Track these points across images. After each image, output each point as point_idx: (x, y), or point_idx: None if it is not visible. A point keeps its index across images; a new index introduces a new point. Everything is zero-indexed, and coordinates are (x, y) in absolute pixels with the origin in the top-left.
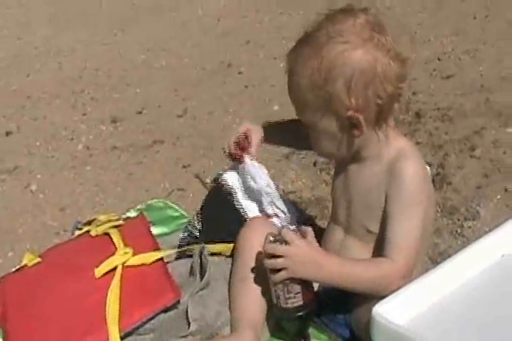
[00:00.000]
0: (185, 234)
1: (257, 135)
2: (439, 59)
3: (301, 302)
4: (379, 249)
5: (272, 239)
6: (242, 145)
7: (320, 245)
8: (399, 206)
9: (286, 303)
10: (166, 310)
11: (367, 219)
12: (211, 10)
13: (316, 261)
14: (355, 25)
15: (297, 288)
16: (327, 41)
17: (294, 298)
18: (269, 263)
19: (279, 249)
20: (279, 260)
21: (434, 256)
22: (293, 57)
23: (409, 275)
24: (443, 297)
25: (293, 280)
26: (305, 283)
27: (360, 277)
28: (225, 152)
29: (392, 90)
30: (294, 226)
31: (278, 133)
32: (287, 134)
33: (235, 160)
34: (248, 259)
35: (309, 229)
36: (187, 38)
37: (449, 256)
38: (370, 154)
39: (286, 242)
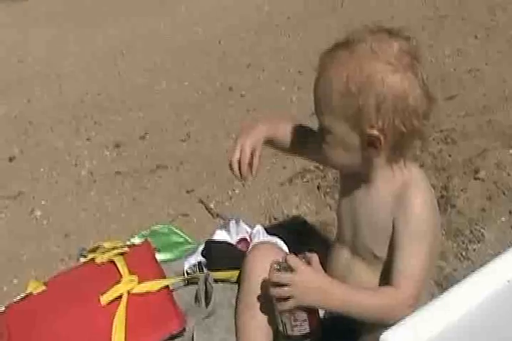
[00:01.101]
0: (191, 260)
1: (260, 149)
2: (441, 80)
3: (307, 330)
4: (385, 275)
5: (276, 266)
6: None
7: (325, 265)
8: (407, 236)
9: (293, 331)
10: (171, 338)
11: (373, 243)
12: (211, 32)
13: (322, 288)
14: (400, 49)
15: (303, 315)
16: (370, 55)
17: (301, 325)
18: (275, 292)
19: (284, 277)
20: (285, 289)
21: (439, 279)
22: (328, 58)
23: (415, 303)
24: (450, 324)
25: (299, 307)
26: (311, 311)
27: (366, 305)
28: (232, 170)
29: (418, 125)
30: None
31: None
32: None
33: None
34: (254, 286)
35: (315, 256)
36: (187, 60)
37: (454, 279)
38: (379, 178)
39: (291, 269)
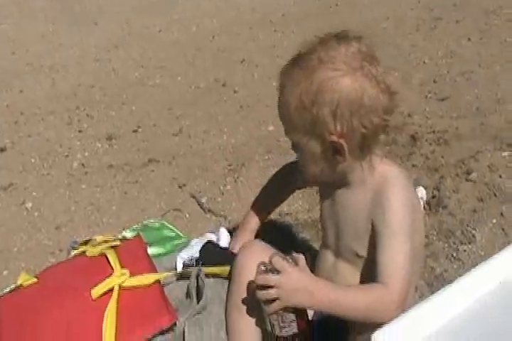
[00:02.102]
0: (183, 255)
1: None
2: (434, 81)
3: (295, 330)
4: (370, 275)
5: (263, 268)
6: None
7: (313, 269)
8: (387, 236)
9: (281, 332)
10: (162, 333)
11: (355, 244)
12: (205, 27)
13: (308, 288)
14: (347, 53)
15: (291, 316)
16: (318, 66)
17: (289, 326)
18: (262, 294)
19: (270, 279)
20: (271, 291)
21: (429, 279)
22: (284, 76)
23: (402, 301)
24: (443, 324)
25: (287, 309)
26: (299, 311)
27: (353, 303)
28: None
29: (378, 122)
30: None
31: None
32: None
33: None
34: (243, 285)
35: (301, 256)
36: (181, 55)
37: (445, 279)
38: (354, 180)
39: (277, 271)
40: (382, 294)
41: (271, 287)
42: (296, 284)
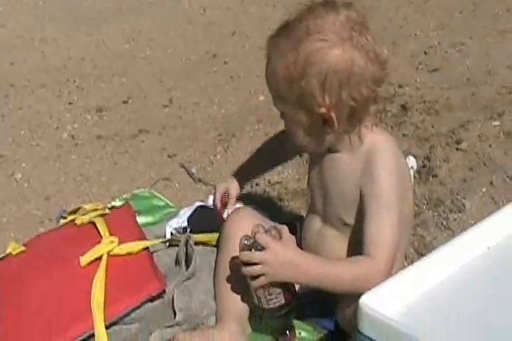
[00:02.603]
0: (172, 224)
1: (234, 190)
2: (425, 52)
3: (282, 302)
4: (356, 242)
5: (246, 243)
6: (224, 201)
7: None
8: (375, 205)
9: (268, 304)
10: (151, 300)
11: (342, 211)
12: (196, 1)
13: (294, 262)
14: (335, 22)
15: (277, 289)
16: (305, 36)
17: (276, 298)
18: (247, 271)
19: (254, 256)
20: (256, 267)
21: (419, 248)
22: (271, 45)
23: (388, 272)
24: (430, 288)
25: (273, 283)
26: (286, 284)
27: (341, 275)
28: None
29: (368, 93)
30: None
31: None
32: None
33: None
34: (231, 252)
35: (285, 228)
36: (172, 28)
37: (435, 248)
38: (343, 150)
39: (261, 246)
40: (370, 265)
41: (256, 263)
42: (281, 259)
